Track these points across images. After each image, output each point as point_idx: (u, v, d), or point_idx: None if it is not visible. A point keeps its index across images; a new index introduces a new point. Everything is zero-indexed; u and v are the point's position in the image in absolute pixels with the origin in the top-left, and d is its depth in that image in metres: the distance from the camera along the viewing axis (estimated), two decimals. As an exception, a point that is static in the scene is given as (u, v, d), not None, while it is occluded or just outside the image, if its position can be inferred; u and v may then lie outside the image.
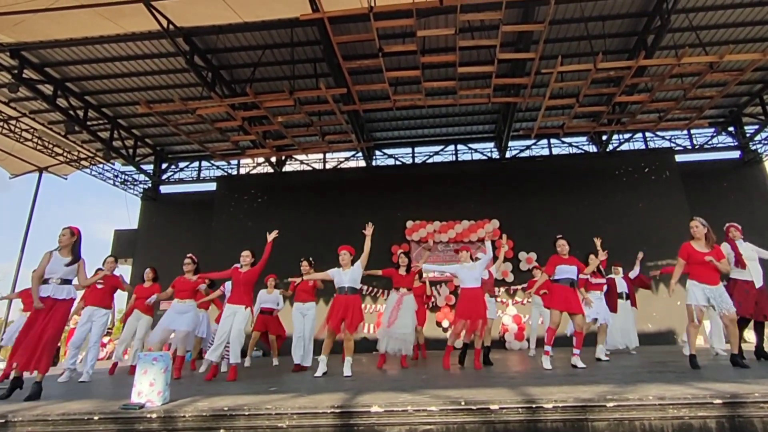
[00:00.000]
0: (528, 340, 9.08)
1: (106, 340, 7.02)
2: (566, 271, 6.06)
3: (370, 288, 12.63)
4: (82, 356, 7.14)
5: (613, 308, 7.78)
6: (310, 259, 7.50)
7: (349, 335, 5.91)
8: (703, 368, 5.03)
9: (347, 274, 6.09)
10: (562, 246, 6.14)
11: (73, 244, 4.91)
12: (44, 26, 8.57)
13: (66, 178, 15.45)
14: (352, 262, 6.18)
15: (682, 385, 3.64)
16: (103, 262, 6.90)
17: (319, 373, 5.84)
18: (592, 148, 15.28)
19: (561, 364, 6.19)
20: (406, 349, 6.97)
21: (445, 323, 12.16)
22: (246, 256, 6.26)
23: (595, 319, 7.40)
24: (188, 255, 6.80)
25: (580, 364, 5.73)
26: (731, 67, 10.98)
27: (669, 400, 3.11)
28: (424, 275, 9.04)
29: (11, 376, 4.66)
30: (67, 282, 4.84)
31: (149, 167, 16.11)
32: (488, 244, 6.85)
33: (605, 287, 7.75)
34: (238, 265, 6.21)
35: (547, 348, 5.92)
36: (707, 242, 5.34)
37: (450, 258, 12.79)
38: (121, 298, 16.48)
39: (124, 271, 15.11)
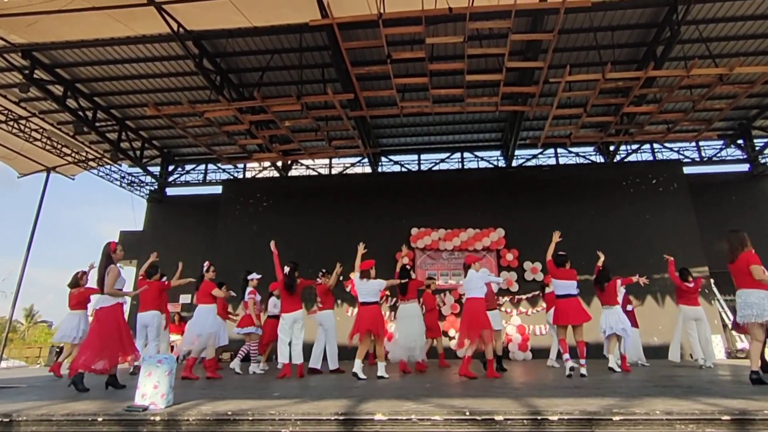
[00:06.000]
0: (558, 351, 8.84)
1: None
2: (564, 286, 6.42)
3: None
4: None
5: None
6: (324, 270, 7.93)
7: (379, 341, 6.49)
8: (711, 384, 4.97)
9: (370, 287, 6.50)
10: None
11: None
12: (56, 27, 8.65)
13: (73, 179, 15.57)
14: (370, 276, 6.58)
15: (690, 401, 3.59)
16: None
17: (360, 374, 6.05)
18: (600, 159, 15.24)
19: (563, 375, 6.16)
20: (416, 356, 7.27)
21: (452, 332, 12.04)
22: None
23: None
24: (209, 262, 7.28)
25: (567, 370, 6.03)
26: (741, 80, 10.88)
27: (676, 415, 3.06)
28: (432, 285, 9.12)
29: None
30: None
31: (156, 169, 16.21)
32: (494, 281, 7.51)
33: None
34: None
35: (566, 356, 6.20)
36: None
37: (455, 266, 12.75)
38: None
39: (129, 272, 15.16)
